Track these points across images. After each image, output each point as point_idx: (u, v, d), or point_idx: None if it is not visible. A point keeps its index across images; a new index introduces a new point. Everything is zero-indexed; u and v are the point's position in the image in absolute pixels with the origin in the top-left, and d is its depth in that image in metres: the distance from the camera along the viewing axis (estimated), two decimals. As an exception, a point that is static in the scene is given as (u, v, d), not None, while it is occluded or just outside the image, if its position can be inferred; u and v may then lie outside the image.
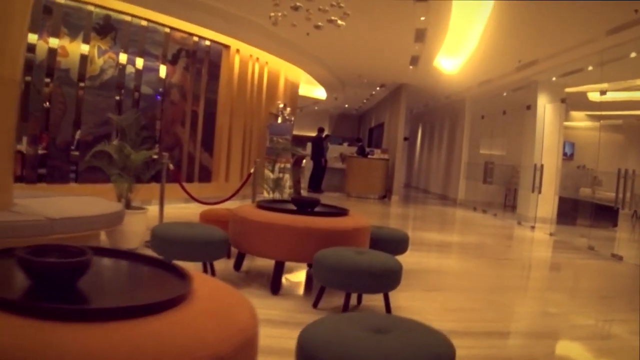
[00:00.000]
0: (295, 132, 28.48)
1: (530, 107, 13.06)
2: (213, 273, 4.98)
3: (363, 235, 5.11)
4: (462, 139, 17.22)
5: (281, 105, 15.00)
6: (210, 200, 7.65)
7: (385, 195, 17.02)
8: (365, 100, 22.41)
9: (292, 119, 16.11)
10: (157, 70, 10.63)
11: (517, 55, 11.45)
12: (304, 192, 16.42)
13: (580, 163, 15.52)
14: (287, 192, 8.12)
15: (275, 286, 4.83)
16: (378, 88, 18.45)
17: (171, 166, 6.84)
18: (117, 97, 10.11)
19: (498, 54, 11.57)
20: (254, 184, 7.86)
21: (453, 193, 17.61)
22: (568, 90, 12.65)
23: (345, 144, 21.41)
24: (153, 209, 7.03)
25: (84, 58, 9.30)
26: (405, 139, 25.90)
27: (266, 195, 9.31)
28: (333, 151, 19.46)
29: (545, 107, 12.71)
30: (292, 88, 16.17)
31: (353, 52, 13.65)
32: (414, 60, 13.20)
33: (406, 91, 17.19)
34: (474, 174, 16.02)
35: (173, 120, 11.06)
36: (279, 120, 14.91)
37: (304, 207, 5.27)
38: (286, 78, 15.26)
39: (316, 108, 26.51)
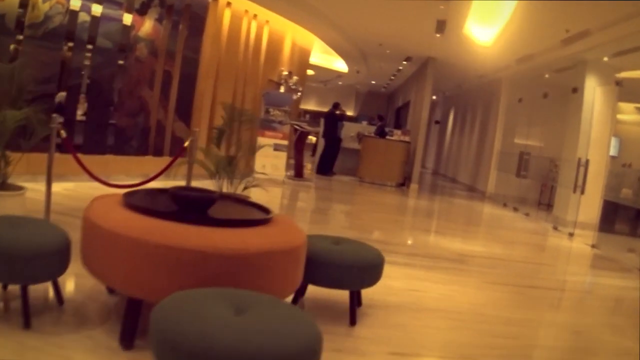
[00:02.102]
0: (313, 108, 26.90)
1: (577, 90, 10.98)
2: (60, 298, 3.22)
3: (289, 262, 3.27)
4: (495, 125, 15.25)
5: (285, 73, 13.15)
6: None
7: (404, 183, 15.07)
8: (392, 77, 20.40)
9: (300, 89, 14.27)
10: (120, 20, 8.86)
11: (564, 23, 9.37)
12: (309, 175, 14.60)
13: (625, 161, 13.35)
14: (247, 181, 6.20)
15: (126, 336, 2.99)
16: (404, 62, 16.38)
17: (63, 133, 5.06)
18: (65, 51, 8.44)
19: (541, 21, 9.54)
20: (190, 163, 6.02)
21: (482, 185, 15.61)
22: (622, 75, 10.49)
23: (364, 122, 19.44)
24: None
25: (24, 2, 7.73)
26: (436, 122, 23.96)
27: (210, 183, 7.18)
28: (350, 129, 17.53)
29: (594, 91, 10.63)
30: (302, 54, 14.27)
31: (369, 13, 11.67)
32: (441, 26, 11.16)
33: (434, 66, 15.13)
34: (507, 166, 14.07)
35: (138, 80, 9.30)
36: (282, 89, 13.07)
37: (192, 207, 3.41)
38: (293, 42, 13.37)
39: (340, 83, 24.56)
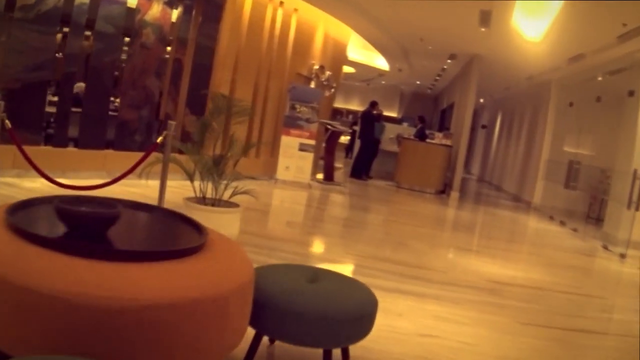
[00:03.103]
0: (356, 108, 25.79)
1: (634, 94, 9.67)
2: None
3: (215, 316, 2.24)
4: (544, 131, 13.93)
5: (316, 67, 12.15)
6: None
7: (444, 190, 13.87)
8: (437, 77, 19.19)
9: (334, 85, 13.26)
10: (124, 3, 8.03)
11: (621, 16, 8.12)
12: (341, 178, 13.57)
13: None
14: (233, 187, 5.09)
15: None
16: (449, 61, 15.17)
17: (8, 123, 4.20)
18: (61, 35, 7.67)
19: (595, 13, 8.28)
20: (164, 162, 5.06)
21: (528, 195, 14.30)
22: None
23: (405, 124, 18.33)
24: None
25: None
26: (483, 126, 22.72)
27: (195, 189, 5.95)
28: (391, 131, 16.44)
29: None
30: (336, 48, 13.23)
31: (407, 3, 10.58)
32: (485, 18, 9.97)
33: (479, 65, 13.87)
34: (555, 175, 12.76)
35: (143, 69, 8.44)
36: (313, 84, 12.08)
37: (84, 228, 2.43)
38: (326, 34, 12.34)
39: (383, 82, 23.45)
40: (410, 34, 13.15)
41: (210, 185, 5.09)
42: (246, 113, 5.60)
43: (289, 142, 10.90)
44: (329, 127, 12.38)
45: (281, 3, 10.51)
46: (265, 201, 9.06)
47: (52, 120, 8.22)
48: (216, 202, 5.08)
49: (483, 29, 10.78)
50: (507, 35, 10.89)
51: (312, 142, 11.11)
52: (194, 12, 9.04)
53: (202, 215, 4.97)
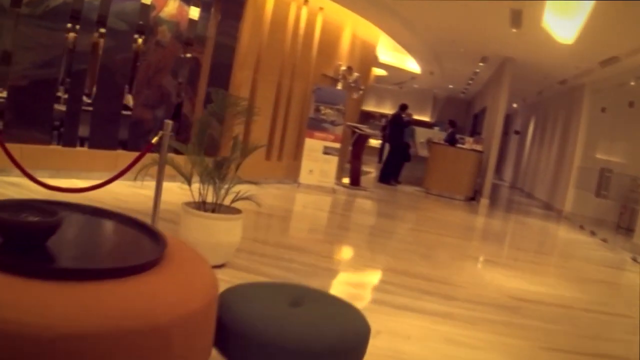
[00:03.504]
0: (388, 111, 25.10)
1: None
2: None
3: (158, 350, 1.76)
4: (576, 137, 13.14)
5: (343, 68, 11.63)
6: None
7: (474, 197, 13.21)
8: (470, 82, 18.49)
9: (362, 87, 12.75)
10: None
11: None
12: (368, 183, 13.03)
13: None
14: (234, 191, 4.52)
15: None
16: (481, 64, 14.49)
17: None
18: (70, 32, 7.32)
19: (629, 14, 7.62)
20: (160, 165, 4.58)
21: (559, 203, 13.53)
22: None
23: (436, 129, 17.68)
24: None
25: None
26: (516, 132, 21.96)
27: (192, 193, 5.18)
28: (422, 135, 15.84)
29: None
30: (364, 49, 12.68)
31: (437, 2, 10.02)
32: (516, 17, 9.32)
33: (511, 68, 13.13)
34: (586, 183, 12.09)
35: (158, 67, 8.04)
36: (339, 86, 11.58)
37: (19, 239, 1.97)
38: (354, 34, 11.81)
39: (415, 86, 22.77)
40: (441, 35, 12.54)
41: (211, 190, 4.61)
42: (250, 112, 5.03)
43: (313, 145, 10.41)
44: (356, 130, 11.85)
45: (306, 1, 10.02)
46: (285, 206, 8.58)
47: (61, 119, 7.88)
48: (216, 208, 4.61)
49: (514, 30, 10.13)
50: (538, 36, 10.21)
51: (337, 145, 10.59)
52: (212, 10, 8.61)
53: (201, 222, 4.50)
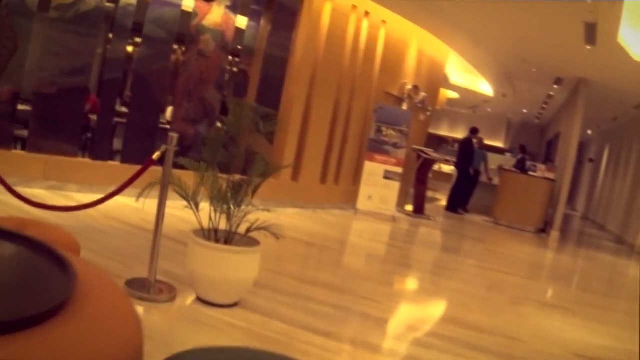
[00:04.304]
0: (461, 136, 23.78)
1: None
2: None
3: None
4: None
5: (409, 87, 10.57)
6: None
7: (544, 229, 11.78)
8: (544, 105, 16.99)
9: (430, 109, 11.64)
10: (178, 6, 6.86)
11: None
12: (435, 211, 11.84)
13: None
14: (248, 220, 3.47)
15: None
16: (555, 87, 13.06)
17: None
18: (102, 38, 6.64)
19: None
20: (163, 184, 3.64)
21: (631, 237, 11.86)
22: None
23: (508, 154, 16.29)
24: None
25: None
26: (590, 160, 20.21)
27: (199, 219, 3.98)
28: (493, 161, 14.49)
29: None
30: (432, 68, 11.55)
31: (506, 18, 8.87)
32: (590, 32, 8.01)
33: (586, 91, 11.64)
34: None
35: (201, 80, 7.20)
36: (405, 106, 10.52)
37: None
38: (420, 51, 10.72)
39: (489, 110, 21.37)
40: (512, 53, 11.28)
41: (225, 215, 3.65)
42: (274, 126, 4.04)
43: (373, 169, 9.33)
44: (422, 154, 10.69)
45: (367, 13, 9.03)
46: (334, 235, 7.51)
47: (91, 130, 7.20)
48: (230, 238, 3.65)
49: (589, 47, 8.82)
50: (614, 54, 8.84)
51: (399, 169, 9.47)
52: (262, 19, 7.76)
53: (210, 255, 3.54)
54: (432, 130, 24.83)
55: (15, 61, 5.99)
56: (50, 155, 6.21)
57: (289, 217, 7.56)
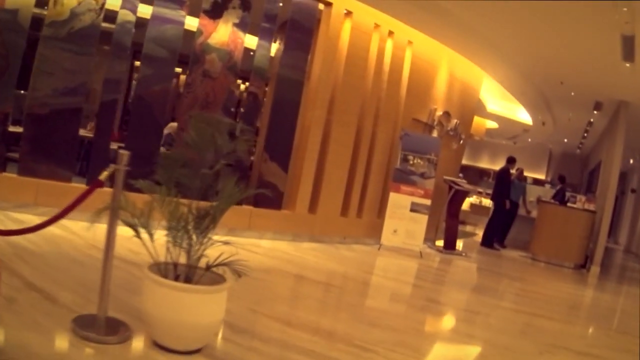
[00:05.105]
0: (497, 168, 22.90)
1: None
2: None
3: None
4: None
5: (439, 113, 9.95)
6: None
7: (585, 264, 10.89)
8: (585, 134, 16.16)
9: (463, 136, 10.99)
10: (180, 23, 6.43)
11: None
12: (470, 247, 11.08)
13: None
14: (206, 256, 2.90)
15: None
16: (595, 112, 12.25)
17: None
18: (98, 57, 6.29)
19: None
20: (112, 209, 3.09)
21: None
22: None
23: (548, 186, 15.42)
24: None
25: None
26: (632, 191, 19.28)
27: (150, 252, 3.29)
28: (532, 193, 13.69)
29: None
30: (464, 92, 10.93)
31: (541, 37, 8.25)
32: (628, 46, 7.31)
33: (626, 115, 10.85)
34: None
35: (207, 102, 6.73)
36: (435, 134, 9.89)
37: None
38: (451, 75, 10.12)
39: (529, 140, 20.58)
40: (549, 75, 10.62)
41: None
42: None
43: (399, 201, 8.69)
44: (454, 185, 9.97)
45: (391, 33, 8.50)
46: (349, 272, 6.83)
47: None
48: (191, 273, 3.08)
49: (627, 65, 8.11)
50: None
51: (427, 201, 8.80)
52: (274, 39, 7.28)
53: (167, 295, 2.99)
54: (472, 163, 24.23)
55: (4, 80, 5.64)
56: (42, 179, 5.82)
57: (302, 252, 6.99)
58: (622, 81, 9.34)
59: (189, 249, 3.07)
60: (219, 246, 3.10)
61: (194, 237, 3.07)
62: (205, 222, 3.11)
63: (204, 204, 3.15)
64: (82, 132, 6.99)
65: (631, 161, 18.99)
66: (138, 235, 3.01)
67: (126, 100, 7.69)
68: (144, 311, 3.08)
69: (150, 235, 3.03)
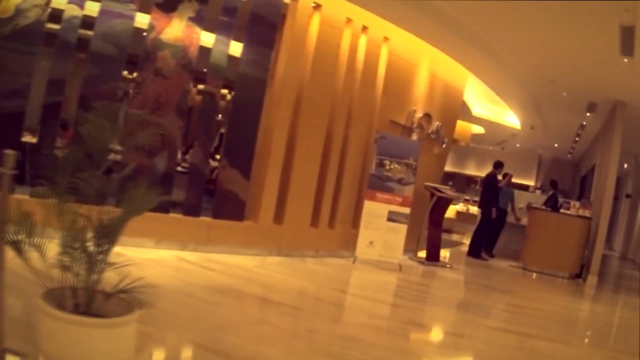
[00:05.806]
0: (479, 174, 22.60)
1: None
2: None
3: None
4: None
5: (419, 115, 9.52)
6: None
7: (580, 273, 10.49)
8: (577, 138, 15.83)
9: (446, 140, 10.57)
10: (130, 18, 5.99)
11: None
12: (455, 257, 10.65)
13: None
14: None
15: None
16: (587, 114, 11.88)
17: None
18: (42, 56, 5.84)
19: None
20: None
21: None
22: None
23: (537, 192, 15.07)
24: None
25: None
26: (627, 196, 19.12)
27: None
28: (521, 199, 13.30)
29: None
30: (448, 93, 10.51)
31: (529, 30, 7.86)
32: (627, 38, 6.92)
33: (622, 116, 10.49)
34: None
35: (159, 103, 6.27)
36: (415, 137, 9.46)
37: None
38: (433, 74, 9.71)
39: (518, 146, 20.27)
40: (538, 73, 10.26)
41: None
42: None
43: (375, 210, 8.25)
44: (436, 192, 9.51)
45: (364, 28, 8.08)
46: (314, 290, 6.32)
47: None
48: (91, 301, 2.61)
49: (625, 59, 7.72)
50: None
51: (406, 210, 8.37)
52: (233, 34, 6.82)
53: (62, 329, 2.52)
54: (458, 170, 23.90)
55: None
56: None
57: (266, 268, 6.57)
58: (619, 79, 9.01)
59: (89, 267, 2.59)
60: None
61: (93, 256, 2.59)
62: (107, 235, 2.64)
63: (106, 211, 2.67)
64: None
65: (625, 165, 18.78)
66: (20, 254, 2.52)
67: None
68: (40, 346, 2.59)
69: (42, 254, 2.55)
